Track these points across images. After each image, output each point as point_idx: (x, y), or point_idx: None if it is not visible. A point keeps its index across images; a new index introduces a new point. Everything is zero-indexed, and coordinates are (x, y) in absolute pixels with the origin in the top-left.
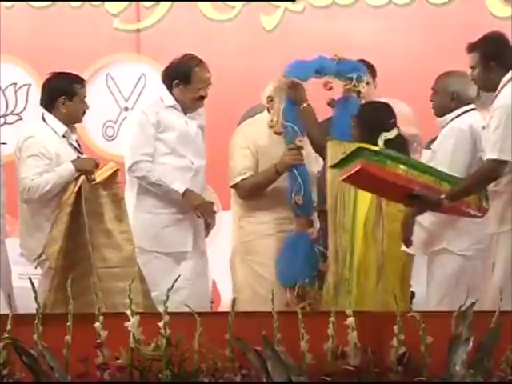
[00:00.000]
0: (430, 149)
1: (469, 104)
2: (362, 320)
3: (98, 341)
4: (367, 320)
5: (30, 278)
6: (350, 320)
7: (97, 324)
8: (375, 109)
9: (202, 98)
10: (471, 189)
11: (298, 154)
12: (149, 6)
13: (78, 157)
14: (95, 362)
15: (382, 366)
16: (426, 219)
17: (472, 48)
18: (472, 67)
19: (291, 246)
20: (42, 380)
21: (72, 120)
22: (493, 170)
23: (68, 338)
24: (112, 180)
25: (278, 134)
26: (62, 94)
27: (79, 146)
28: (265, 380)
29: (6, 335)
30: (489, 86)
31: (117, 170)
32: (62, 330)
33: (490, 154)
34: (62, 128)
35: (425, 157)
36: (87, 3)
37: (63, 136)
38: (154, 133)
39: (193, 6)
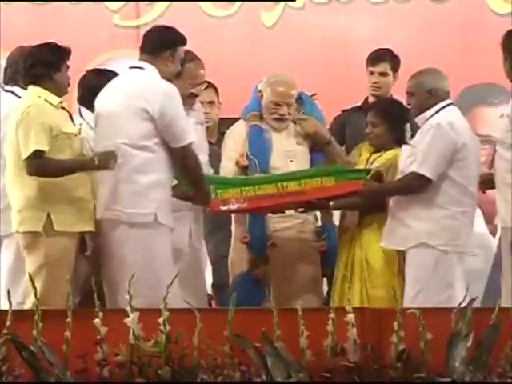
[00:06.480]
0: (410, 144)
1: (446, 99)
2: (361, 316)
3: (98, 337)
4: (367, 316)
5: (29, 274)
6: (350, 316)
7: (96, 320)
8: (398, 104)
9: (193, 95)
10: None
11: None
12: (148, 2)
13: None
14: (94, 358)
15: (381, 362)
16: (406, 215)
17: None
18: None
19: (238, 288)
20: (41, 376)
21: None
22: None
23: (67, 334)
24: None
25: (242, 167)
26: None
27: None
28: (264, 376)
29: (5, 331)
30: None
31: None
32: (62, 326)
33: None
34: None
35: (405, 152)
36: None
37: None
38: None
39: (192, 2)
